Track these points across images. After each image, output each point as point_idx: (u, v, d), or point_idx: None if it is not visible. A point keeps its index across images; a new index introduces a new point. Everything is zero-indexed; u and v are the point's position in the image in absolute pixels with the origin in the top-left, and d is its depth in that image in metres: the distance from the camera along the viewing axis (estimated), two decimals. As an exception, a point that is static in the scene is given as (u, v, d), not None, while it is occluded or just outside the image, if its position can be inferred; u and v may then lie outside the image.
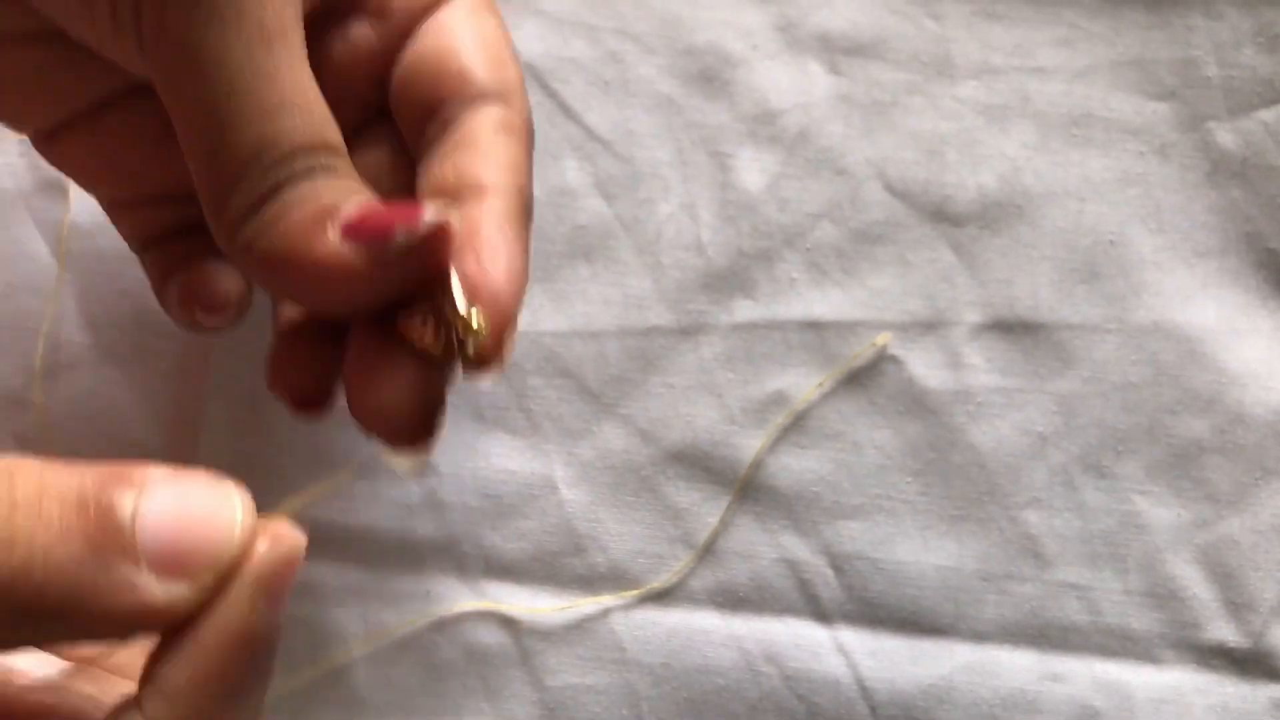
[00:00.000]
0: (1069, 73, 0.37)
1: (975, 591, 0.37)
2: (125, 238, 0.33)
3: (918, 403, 0.37)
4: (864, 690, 0.36)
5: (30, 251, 0.38)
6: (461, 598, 0.37)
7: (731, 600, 0.37)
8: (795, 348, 0.37)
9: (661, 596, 0.37)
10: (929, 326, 0.37)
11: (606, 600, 0.37)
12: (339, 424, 0.30)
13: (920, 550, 0.37)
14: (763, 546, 0.37)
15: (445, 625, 0.37)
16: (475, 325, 0.24)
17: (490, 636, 0.37)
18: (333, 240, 0.24)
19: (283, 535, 0.22)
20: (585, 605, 0.37)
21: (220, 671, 0.21)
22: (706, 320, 0.37)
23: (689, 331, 0.37)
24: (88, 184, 0.32)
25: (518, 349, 0.38)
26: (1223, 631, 0.36)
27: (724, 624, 0.37)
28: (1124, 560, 0.37)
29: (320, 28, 0.28)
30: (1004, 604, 0.37)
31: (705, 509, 0.37)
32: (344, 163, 0.26)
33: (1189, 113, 0.37)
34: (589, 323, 0.38)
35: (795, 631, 0.37)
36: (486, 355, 0.25)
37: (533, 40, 0.38)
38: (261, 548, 0.22)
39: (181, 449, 0.37)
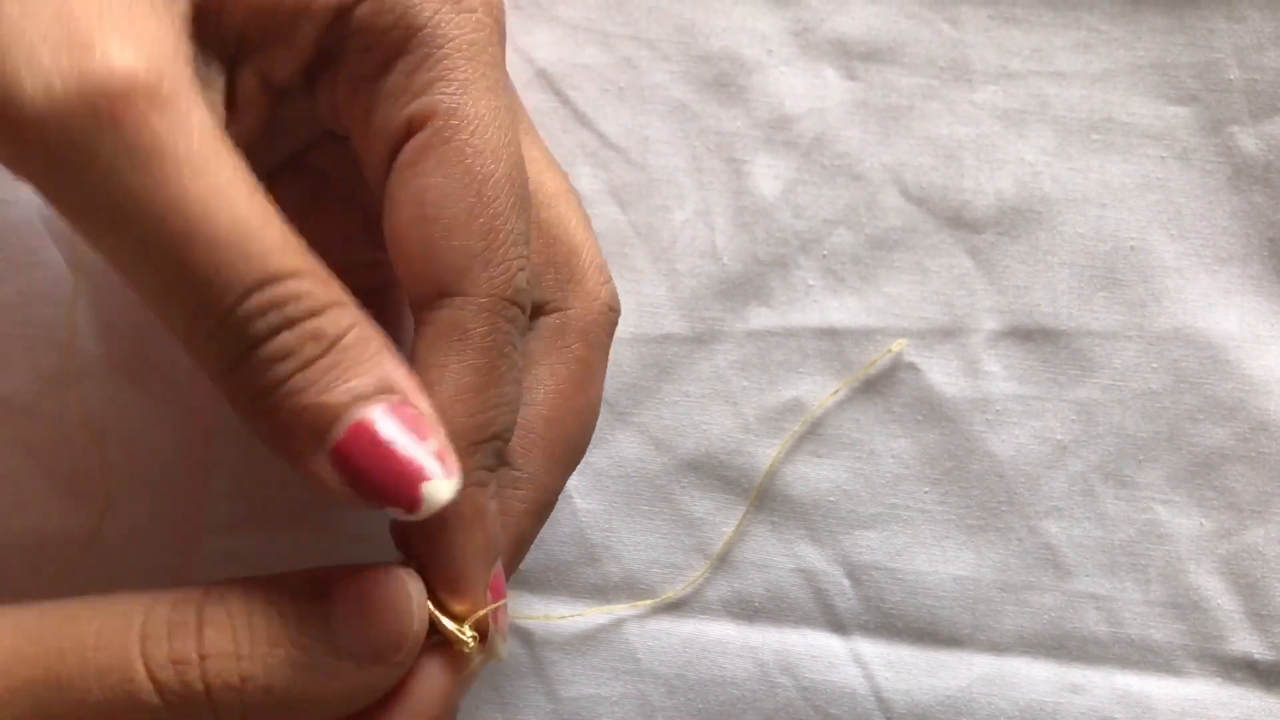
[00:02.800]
0: (1088, 77, 0.37)
1: (994, 602, 0.36)
2: None
3: (935, 411, 0.37)
4: (881, 702, 0.36)
5: (43, 260, 0.38)
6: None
7: (747, 610, 0.37)
8: (811, 355, 0.37)
9: (676, 606, 0.37)
10: (947, 333, 0.37)
11: (621, 610, 0.37)
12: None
13: (938, 560, 0.36)
14: (778, 556, 0.37)
15: (459, 635, 0.37)
16: (467, 640, 0.26)
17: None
18: (323, 462, 0.23)
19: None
20: (599, 615, 0.37)
21: None
22: (722, 328, 0.37)
23: (704, 339, 0.37)
24: None
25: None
26: (1246, 643, 0.36)
27: (739, 634, 0.37)
28: (1145, 570, 0.36)
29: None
30: (1023, 615, 0.36)
31: (720, 518, 0.37)
32: (305, 283, 0.23)
33: (1210, 117, 0.37)
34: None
35: (811, 642, 0.36)
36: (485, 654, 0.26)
37: (546, 46, 0.37)
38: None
39: (194, 459, 0.37)
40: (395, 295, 0.33)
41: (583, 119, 0.37)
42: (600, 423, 0.37)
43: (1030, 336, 0.37)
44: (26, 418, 0.37)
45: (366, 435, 0.23)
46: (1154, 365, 0.36)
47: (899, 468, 0.37)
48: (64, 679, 0.22)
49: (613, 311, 0.30)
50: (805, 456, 0.37)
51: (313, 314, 0.23)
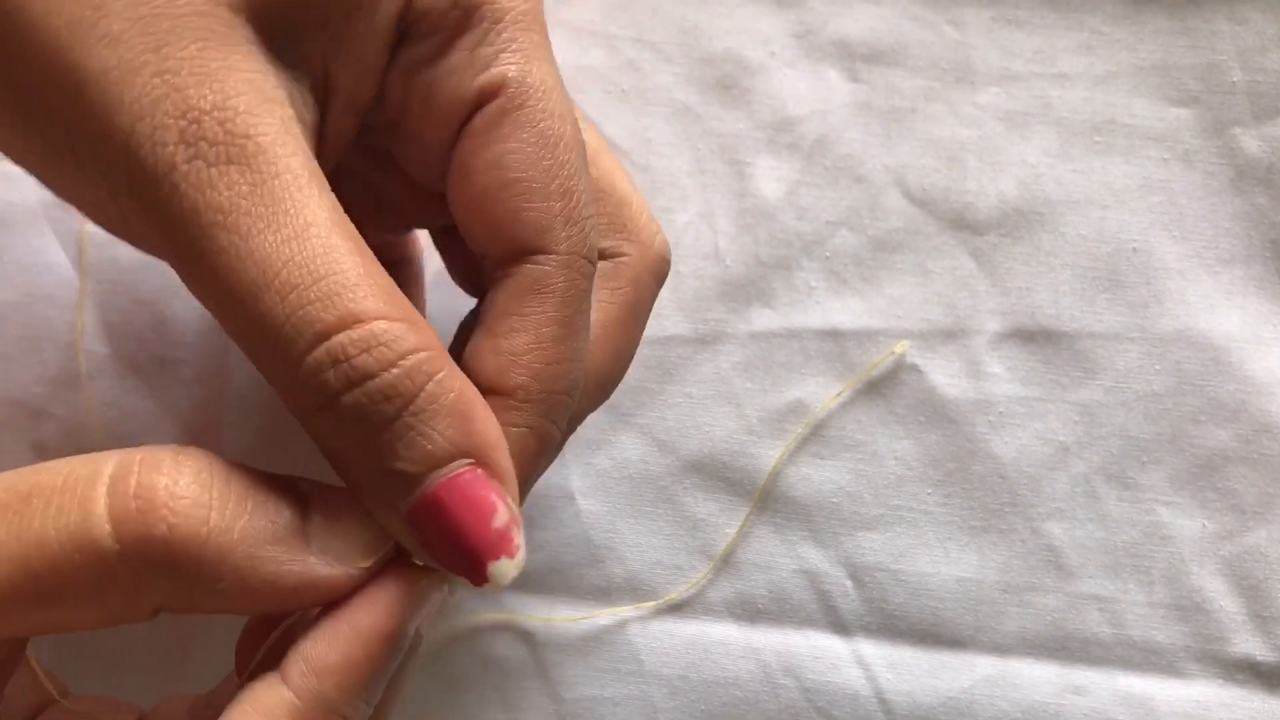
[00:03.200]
0: (1091, 79, 0.37)
1: (996, 603, 0.36)
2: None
3: (938, 412, 0.37)
4: (883, 703, 0.36)
5: (49, 261, 0.38)
6: (478, 608, 0.37)
7: (750, 612, 0.37)
8: (814, 357, 0.37)
9: (679, 608, 0.37)
10: (949, 335, 0.37)
11: (624, 611, 0.37)
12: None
13: (941, 562, 0.36)
14: (781, 557, 0.37)
15: (462, 637, 0.37)
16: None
17: (507, 648, 0.37)
18: (397, 523, 0.23)
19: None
20: (602, 616, 0.37)
21: (369, 659, 0.23)
22: (725, 329, 0.37)
23: (707, 340, 0.37)
24: None
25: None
26: (1249, 645, 0.36)
27: (742, 636, 0.37)
28: (1148, 572, 0.36)
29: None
30: (1026, 616, 0.36)
31: (723, 519, 0.37)
32: (383, 327, 0.22)
33: (1213, 118, 0.37)
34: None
35: (814, 643, 0.37)
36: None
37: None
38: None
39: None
40: (408, 271, 0.35)
41: (588, 122, 0.37)
42: (603, 424, 0.37)
43: (1033, 338, 0.37)
44: (34, 419, 0.37)
45: (438, 509, 0.23)
46: (1156, 367, 0.36)
47: (902, 469, 0.37)
48: (24, 521, 0.21)
49: (665, 261, 0.30)
50: (808, 458, 0.37)
51: (390, 365, 0.22)
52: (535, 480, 0.26)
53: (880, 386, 0.37)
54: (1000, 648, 0.36)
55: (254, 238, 0.22)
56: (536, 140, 0.25)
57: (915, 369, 0.37)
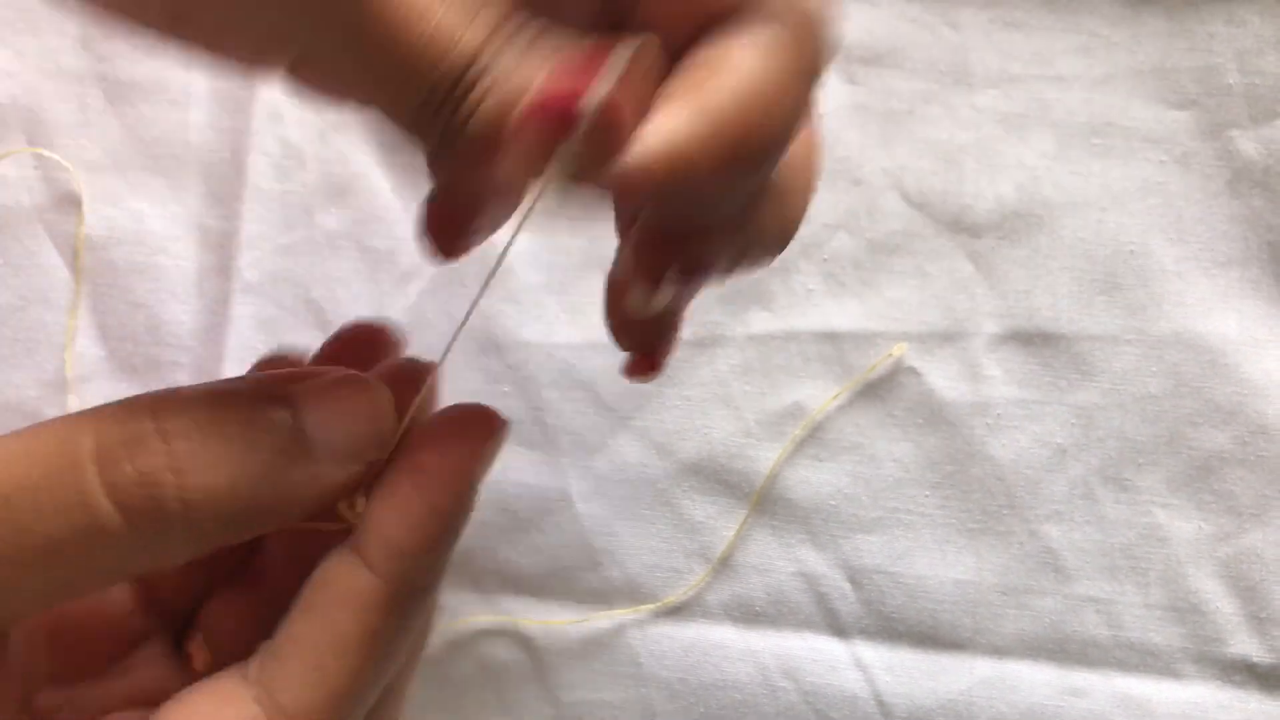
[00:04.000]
0: (1088, 81, 0.37)
1: (994, 605, 0.36)
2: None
3: (936, 414, 0.37)
4: (882, 705, 0.36)
5: (44, 264, 0.38)
6: (476, 612, 0.37)
7: (748, 614, 0.37)
8: (812, 359, 0.37)
9: (677, 611, 0.37)
10: (947, 337, 0.37)
11: (622, 614, 0.37)
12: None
13: (939, 564, 0.36)
14: (780, 560, 0.37)
15: (460, 640, 0.37)
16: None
17: (505, 652, 0.37)
18: (517, 140, 0.20)
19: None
20: (601, 620, 0.37)
21: (444, 530, 0.23)
22: (723, 332, 0.37)
23: (705, 343, 0.37)
24: None
25: (531, 362, 0.37)
26: (1246, 646, 0.36)
27: (740, 638, 0.37)
28: (1145, 574, 0.36)
29: None
30: (1024, 618, 0.36)
31: (721, 522, 0.37)
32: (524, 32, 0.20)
33: (1210, 121, 0.37)
34: (605, 335, 0.37)
35: (813, 646, 0.37)
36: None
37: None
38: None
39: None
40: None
41: (584, 123, 0.37)
42: (602, 427, 0.37)
43: (1030, 340, 0.37)
44: (29, 422, 0.37)
45: (546, 90, 0.19)
46: (1153, 369, 0.36)
47: (900, 471, 0.37)
48: (22, 523, 0.21)
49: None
50: (806, 460, 0.37)
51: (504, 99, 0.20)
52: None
53: (878, 389, 0.37)
54: (998, 650, 0.36)
55: None
56: None
57: (913, 371, 0.37)
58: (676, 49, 0.21)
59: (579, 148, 0.20)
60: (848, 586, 0.37)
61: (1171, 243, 0.37)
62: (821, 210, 0.37)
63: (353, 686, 0.22)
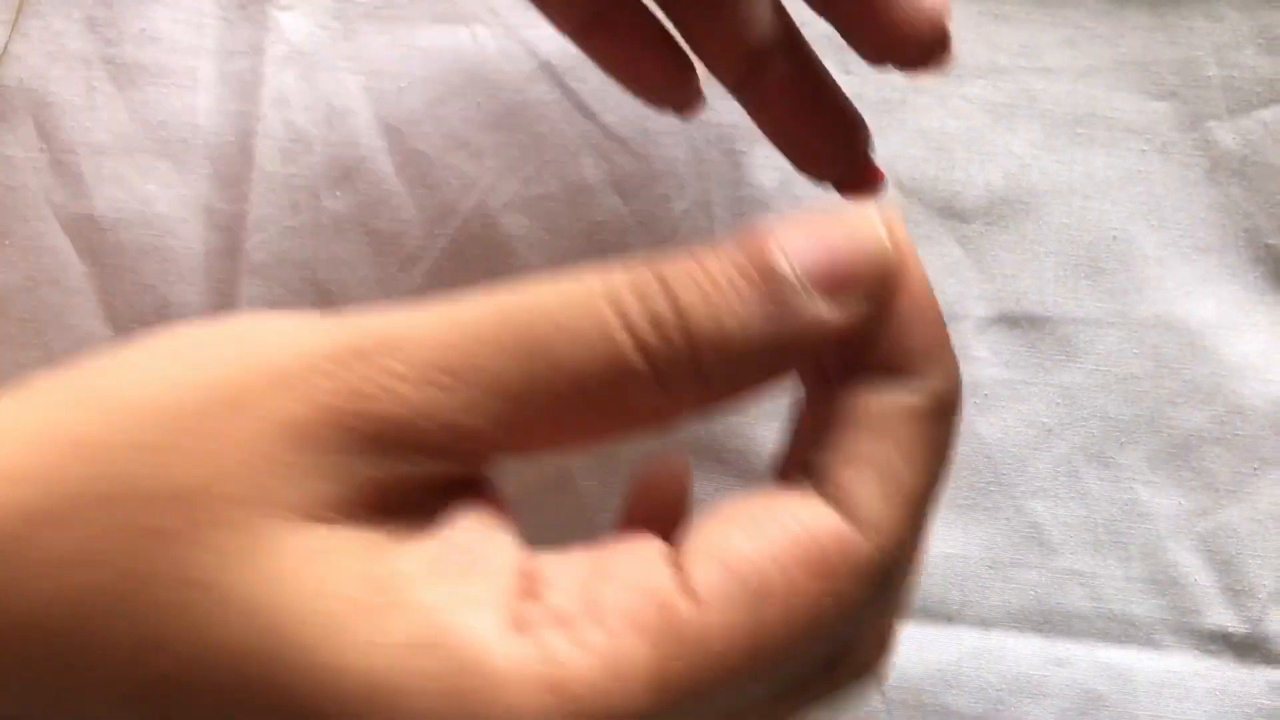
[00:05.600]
0: (1073, 72, 0.38)
1: (981, 579, 0.38)
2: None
3: (926, 395, 0.38)
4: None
5: (51, 245, 0.38)
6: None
7: (745, 588, 0.38)
8: (806, 341, 0.38)
9: (676, 584, 0.38)
10: (937, 320, 0.38)
11: (623, 588, 0.38)
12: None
13: (928, 539, 0.37)
14: (775, 535, 0.38)
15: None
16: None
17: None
18: None
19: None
20: (602, 593, 0.38)
21: (941, 317, 0.22)
22: (720, 314, 0.38)
23: (703, 325, 0.38)
24: None
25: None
26: (1222, 617, 0.37)
27: (737, 611, 0.38)
28: (1126, 548, 0.37)
29: None
30: (1009, 591, 0.38)
31: (717, 500, 0.38)
32: None
33: (1190, 112, 0.38)
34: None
35: (807, 618, 0.38)
36: None
37: (549, 38, 0.38)
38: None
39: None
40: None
41: (586, 111, 0.38)
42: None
43: (1017, 323, 0.38)
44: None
45: None
46: (1135, 351, 0.38)
47: (891, 450, 0.38)
48: (540, 346, 0.20)
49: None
50: (801, 439, 0.38)
51: None
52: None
53: (870, 370, 0.38)
54: (985, 621, 0.37)
55: None
56: None
57: (904, 353, 0.38)
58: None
59: None
60: (841, 561, 0.38)
61: (1153, 229, 0.38)
62: (817, 197, 0.38)
63: (926, 496, 0.22)
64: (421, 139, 0.38)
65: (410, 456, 0.20)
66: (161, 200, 0.38)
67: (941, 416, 0.22)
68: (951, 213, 0.38)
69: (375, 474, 0.20)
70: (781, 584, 0.20)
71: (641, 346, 0.21)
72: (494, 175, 0.38)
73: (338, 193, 0.38)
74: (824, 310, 0.21)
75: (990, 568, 0.38)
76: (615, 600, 0.20)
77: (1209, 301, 0.38)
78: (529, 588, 0.20)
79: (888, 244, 0.22)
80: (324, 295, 0.38)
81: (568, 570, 0.21)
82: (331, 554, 0.20)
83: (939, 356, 0.22)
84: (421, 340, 0.21)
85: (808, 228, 0.22)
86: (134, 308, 0.38)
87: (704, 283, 0.21)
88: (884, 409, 0.22)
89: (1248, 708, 0.37)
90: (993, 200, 0.38)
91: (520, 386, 0.20)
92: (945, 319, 0.38)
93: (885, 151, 0.38)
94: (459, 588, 0.20)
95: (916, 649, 0.37)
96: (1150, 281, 0.38)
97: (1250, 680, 0.37)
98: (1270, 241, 0.38)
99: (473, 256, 0.38)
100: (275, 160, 0.38)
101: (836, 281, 0.21)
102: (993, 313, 0.38)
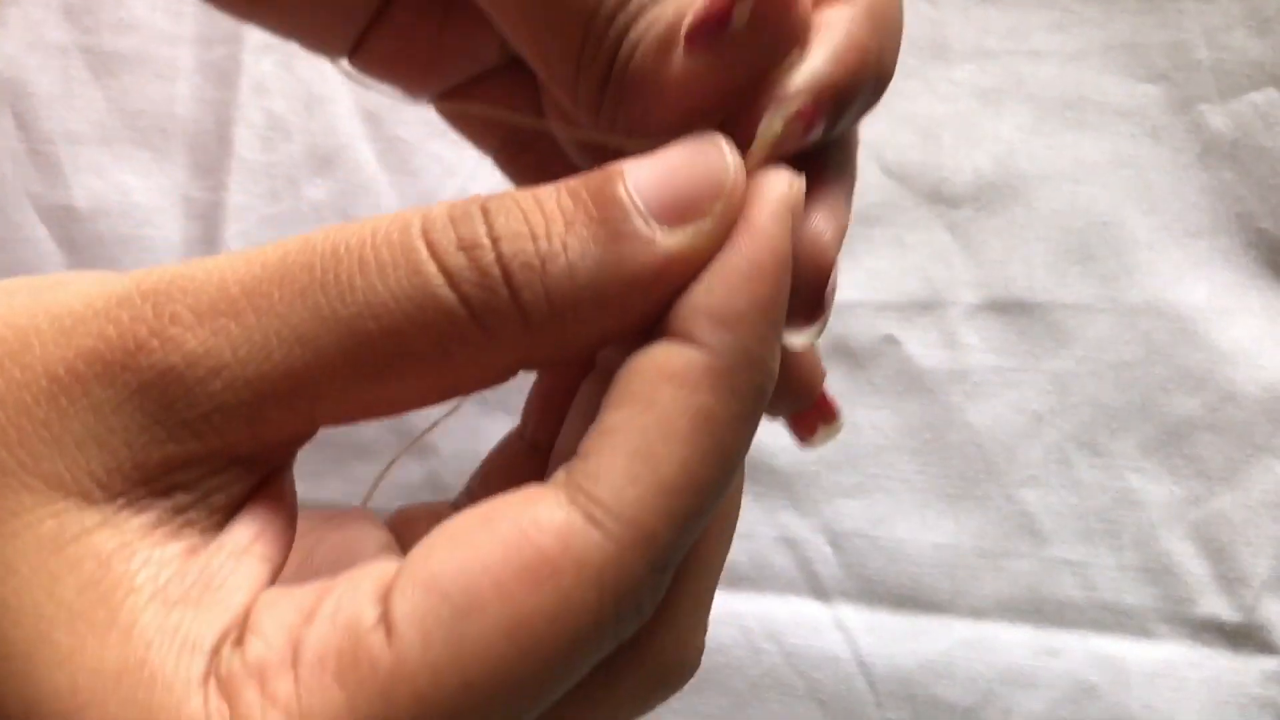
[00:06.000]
0: (1062, 56, 0.38)
1: (973, 568, 0.37)
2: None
3: (915, 382, 0.37)
4: (863, 666, 0.37)
5: (29, 235, 0.38)
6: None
7: (731, 578, 0.37)
8: (793, 329, 0.38)
9: (663, 575, 0.37)
10: (926, 307, 0.38)
11: (608, 580, 0.37)
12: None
13: (918, 528, 0.37)
14: (762, 525, 0.37)
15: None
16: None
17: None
18: (678, 59, 0.20)
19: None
20: (587, 585, 0.37)
21: (774, 291, 0.19)
22: (706, 302, 0.38)
23: (688, 313, 0.38)
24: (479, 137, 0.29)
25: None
26: (1215, 606, 0.37)
27: (724, 602, 0.37)
28: (1118, 536, 0.37)
29: None
30: (1001, 580, 0.37)
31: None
32: None
33: (1180, 95, 0.38)
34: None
35: (795, 609, 0.37)
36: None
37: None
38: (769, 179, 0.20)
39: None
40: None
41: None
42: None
43: (1007, 309, 0.38)
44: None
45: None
46: (1126, 337, 0.37)
47: (880, 438, 0.37)
48: (341, 279, 0.18)
49: None
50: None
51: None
52: None
53: (859, 357, 0.38)
54: (976, 611, 0.37)
55: None
56: None
57: (893, 340, 0.38)
58: None
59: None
60: (829, 550, 0.37)
61: (1143, 214, 0.38)
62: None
63: (687, 482, 0.18)
64: (402, 126, 0.38)
65: (195, 426, 0.18)
66: (139, 190, 0.38)
67: (722, 391, 0.19)
68: (939, 198, 0.38)
69: (151, 443, 0.18)
70: (493, 596, 0.17)
71: (451, 278, 0.18)
72: (474, 162, 0.37)
73: (317, 180, 0.38)
74: (660, 237, 0.19)
75: (981, 557, 0.37)
76: (315, 643, 0.18)
77: (1201, 286, 0.37)
78: (242, 633, 0.18)
79: (735, 174, 0.20)
80: (305, 285, 0.38)
81: (281, 611, 0.19)
82: (74, 546, 0.18)
83: (735, 323, 0.19)
84: (207, 279, 0.18)
85: (655, 155, 0.20)
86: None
87: (528, 208, 0.19)
88: (646, 372, 0.19)
89: (1241, 697, 0.36)
90: (981, 185, 0.38)
91: (317, 330, 0.18)
92: (934, 305, 0.38)
93: (872, 136, 0.38)
94: (184, 617, 0.18)
95: (907, 639, 0.37)
96: (1141, 266, 0.37)
97: (1244, 669, 0.37)
98: (1263, 225, 0.37)
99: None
100: (254, 148, 0.38)
101: (679, 210, 0.19)
102: (982, 299, 0.38)
